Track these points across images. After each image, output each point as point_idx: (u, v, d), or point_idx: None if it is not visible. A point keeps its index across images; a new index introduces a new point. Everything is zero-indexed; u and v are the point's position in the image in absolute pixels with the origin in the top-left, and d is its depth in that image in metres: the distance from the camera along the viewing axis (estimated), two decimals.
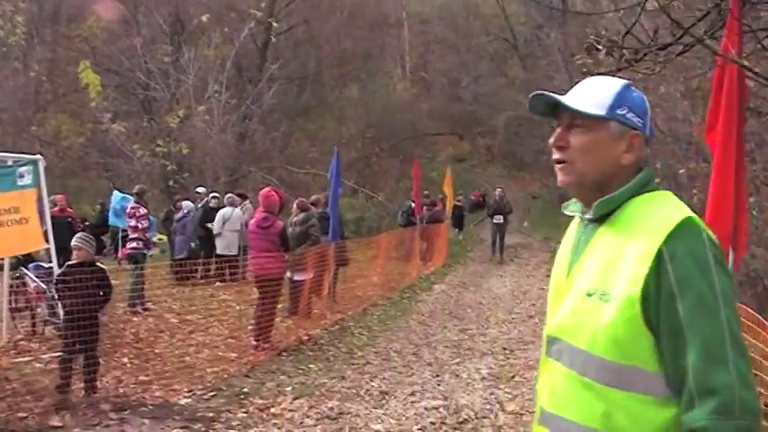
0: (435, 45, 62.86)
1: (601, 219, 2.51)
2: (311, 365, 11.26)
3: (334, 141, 28.33)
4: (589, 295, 2.40)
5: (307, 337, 13.29)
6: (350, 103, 50.94)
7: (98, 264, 9.61)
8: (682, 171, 17.57)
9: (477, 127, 57.55)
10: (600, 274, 2.41)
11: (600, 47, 6.61)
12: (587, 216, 2.56)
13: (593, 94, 2.54)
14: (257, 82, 37.78)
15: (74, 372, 9.11)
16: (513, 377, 10.53)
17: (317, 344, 12.92)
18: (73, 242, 9.75)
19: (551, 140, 2.59)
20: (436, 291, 20.08)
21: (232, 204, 19.55)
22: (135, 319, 14.09)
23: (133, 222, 15.77)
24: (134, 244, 15.73)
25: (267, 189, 13.51)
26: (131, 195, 17.48)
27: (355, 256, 19.90)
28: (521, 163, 57.93)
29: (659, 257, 2.25)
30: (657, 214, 2.37)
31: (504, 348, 12.61)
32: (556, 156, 2.57)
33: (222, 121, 32.78)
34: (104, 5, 37.55)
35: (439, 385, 10.06)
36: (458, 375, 10.62)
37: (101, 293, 9.25)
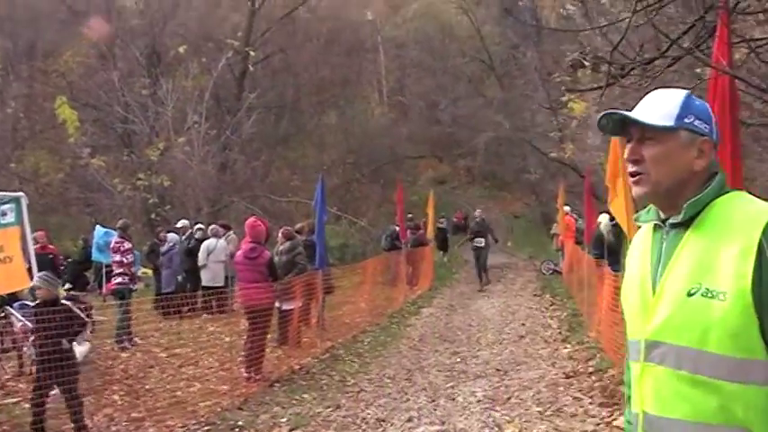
0: (412, 68, 62.99)
1: (686, 224, 2.58)
2: (305, 395, 11.19)
3: (314, 168, 28.37)
4: (690, 295, 2.46)
5: (298, 367, 13.24)
6: (329, 130, 50.98)
7: (62, 302, 9.38)
8: None
9: (456, 149, 57.58)
10: (697, 273, 2.47)
11: (586, 63, 6.61)
12: (672, 221, 2.63)
13: (659, 107, 2.65)
14: (236, 111, 37.77)
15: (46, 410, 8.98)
16: (509, 399, 10.48)
17: (309, 373, 12.86)
18: (33, 282, 9.64)
19: (626, 155, 2.70)
20: (425, 314, 20.04)
21: (216, 235, 19.49)
22: (123, 354, 14.02)
23: (118, 257, 15.70)
24: (120, 279, 15.66)
25: (253, 219, 13.46)
26: (114, 230, 17.40)
27: (341, 283, 19.85)
28: (501, 183, 58.12)
29: (760, 249, 2.34)
30: (746, 210, 2.48)
31: (498, 370, 12.56)
32: (631, 169, 2.67)
33: (202, 151, 32.73)
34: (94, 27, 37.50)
35: (435, 410, 10.00)
36: (453, 399, 10.56)
37: (72, 329, 9.03)
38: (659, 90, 2.79)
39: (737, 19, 7.32)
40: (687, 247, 2.54)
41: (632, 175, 2.67)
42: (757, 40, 6.91)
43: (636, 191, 2.68)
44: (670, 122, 2.59)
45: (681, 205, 2.58)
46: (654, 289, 2.61)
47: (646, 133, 2.63)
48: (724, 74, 5.72)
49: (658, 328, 2.56)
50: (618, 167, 11.47)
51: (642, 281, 2.70)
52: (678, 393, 2.49)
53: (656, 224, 2.73)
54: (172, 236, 20.72)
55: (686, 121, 2.60)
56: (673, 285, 2.53)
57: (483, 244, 26.73)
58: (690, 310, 2.45)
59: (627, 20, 6.45)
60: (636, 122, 2.63)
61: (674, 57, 6.61)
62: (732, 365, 2.37)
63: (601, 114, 2.72)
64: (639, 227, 2.91)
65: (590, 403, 9.87)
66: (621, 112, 2.70)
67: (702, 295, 2.41)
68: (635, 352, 2.69)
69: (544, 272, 29.85)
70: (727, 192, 2.59)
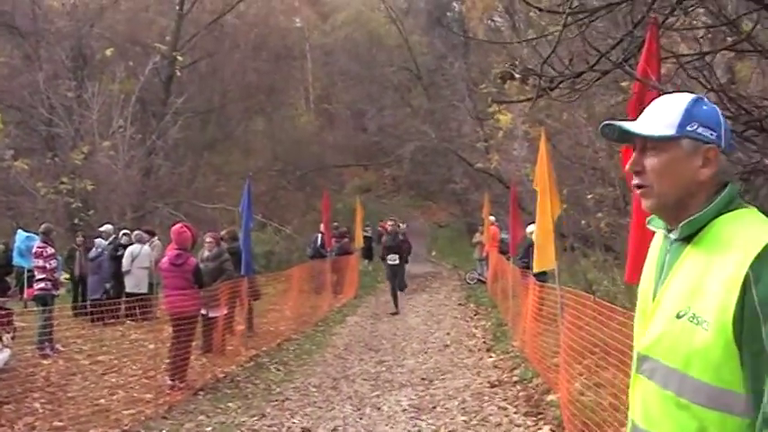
0: (339, 76, 63.01)
1: (687, 238, 2.53)
2: (230, 404, 11.13)
3: (240, 175, 28.18)
4: (678, 317, 2.44)
5: (223, 375, 13.16)
6: (256, 136, 50.80)
7: None
8: (589, 196, 17.85)
9: (382, 157, 57.77)
10: (687, 295, 2.44)
11: (517, 75, 6.67)
12: (673, 236, 2.59)
13: (662, 115, 2.56)
14: (162, 116, 37.41)
15: None
16: (435, 407, 10.53)
17: (234, 381, 12.80)
18: None
19: (627, 166, 2.64)
20: (350, 323, 20.05)
21: (140, 241, 19.31)
22: (45, 362, 13.76)
23: (41, 262, 15.45)
24: (42, 284, 15.40)
25: (179, 225, 13.34)
26: (37, 234, 17.13)
27: (267, 290, 19.79)
28: (427, 192, 58.36)
29: (746, 282, 2.26)
30: (744, 235, 2.38)
31: (423, 379, 12.62)
32: (635, 181, 2.61)
33: (127, 156, 32.36)
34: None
35: (361, 419, 10.01)
36: (379, 408, 10.58)
37: None
38: (665, 96, 2.70)
39: (664, 35, 7.46)
40: (685, 264, 2.52)
41: (637, 187, 2.62)
42: (685, 55, 7.04)
43: (644, 204, 2.63)
44: (671, 131, 2.51)
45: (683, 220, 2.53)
46: (653, 301, 2.62)
47: (647, 143, 2.56)
48: (652, 88, 5.81)
49: (650, 344, 2.58)
50: (545, 177, 11.60)
51: (646, 290, 2.72)
52: (663, 411, 2.51)
53: (665, 235, 2.68)
54: (99, 241, 20.46)
55: (689, 128, 2.51)
56: (667, 303, 2.52)
57: (397, 261, 23.49)
58: (677, 332, 2.45)
59: (556, 33, 6.53)
60: (637, 134, 2.58)
61: (602, 71, 6.70)
62: (712, 393, 2.36)
63: (602, 125, 2.68)
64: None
65: (515, 413, 9.96)
66: (620, 123, 2.63)
67: (689, 320, 2.40)
68: (634, 360, 2.72)
69: (469, 281, 30.08)
70: (737, 207, 2.50)
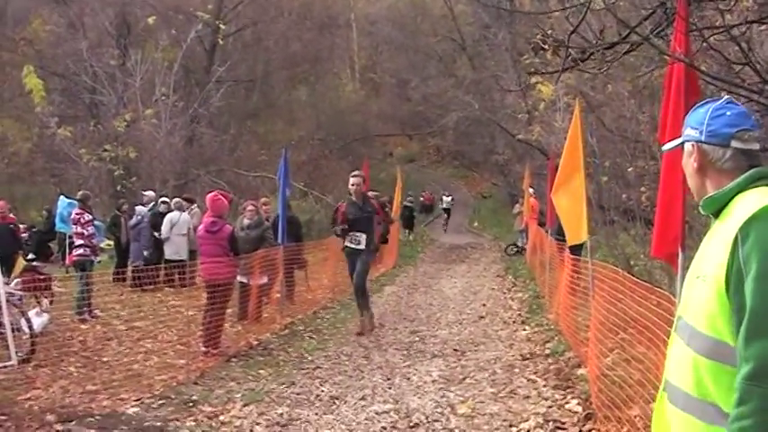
0: (384, 46, 62.97)
1: (716, 215, 2.93)
2: (261, 371, 11.17)
3: (283, 144, 28.20)
4: (697, 278, 2.84)
5: (256, 342, 13.20)
6: (299, 106, 50.80)
7: None
8: (630, 169, 17.69)
9: (426, 127, 57.63)
10: (704, 259, 2.85)
11: (546, 46, 6.61)
12: (704, 213, 3.03)
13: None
14: (205, 85, 37.57)
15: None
16: (465, 379, 10.50)
17: (267, 349, 12.82)
18: None
19: None
20: (387, 293, 20.05)
21: (180, 209, 19.42)
22: (83, 326, 13.92)
23: (78, 229, 15.59)
24: (80, 251, 15.54)
25: (214, 193, 13.36)
26: (77, 200, 17.27)
27: (306, 259, 19.84)
28: (470, 163, 58.30)
29: (736, 241, 2.62)
30: (744, 206, 2.73)
31: (455, 350, 12.57)
32: None
33: (170, 124, 32.53)
34: None
35: (390, 389, 9.99)
36: (408, 378, 10.57)
37: None
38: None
39: (704, 6, 7.35)
40: (711, 236, 2.91)
41: None
42: (709, 28, 6.94)
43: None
44: (678, 140, 3.11)
45: None
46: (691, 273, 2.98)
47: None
48: (679, 62, 5.75)
49: (683, 305, 2.99)
50: (578, 149, 11.50)
51: (692, 266, 3.02)
52: (679, 363, 2.89)
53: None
54: (140, 209, 20.59)
55: (685, 134, 3.06)
56: (693, 269, 2.93)
57: (361, 244, 14.40)
58: (693, 290, 2.85)
59: (589, 3, 6.46)
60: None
61: (632, 42, 6.63)
62: (709, 344, 2.69)
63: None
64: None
65: (544, 386, 9.91)
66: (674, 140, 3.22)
67: (700, 279, 2.80)
68: (674, 324, 3.10)
69: (509, 253, 30.10)
70: (757, 185, 2.83)
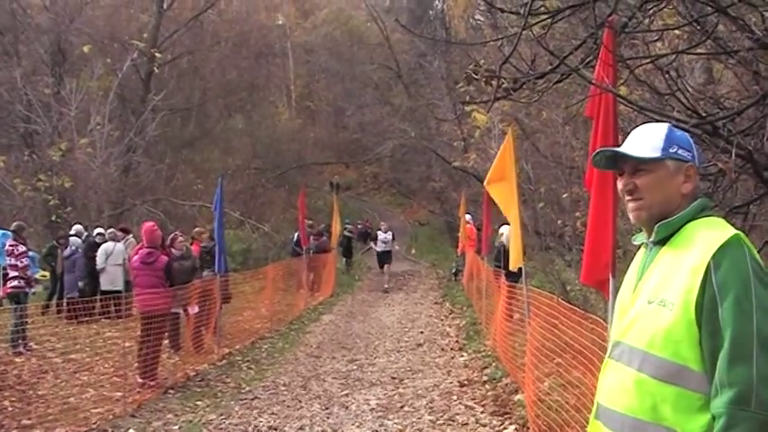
0: (320, 74, 63.17)
1: (663, 241, 2.92)
2: (198, 402, 11.13)
3: (220, 172, 28.08)
4: (650, 303, 2.81)
5: (194, 374, 13.15)
6: (235, 134, 50.66)
7: None
8: (565, 195, 17.88)
9: (363, 155, 57.79)
10: (659, 285, 2.81)
11: (477, 77, 6.68)
12: (651, 240, 2.99)
13: (646, 141, 3.01)
14: (141, 113, 37.26)
15: None
16: (403, 407, 10.53)
17: (205, 379, 12.79)
18: None
19: (620, 187, 3.09)
20: (324, 321, 20.05)
21: (114, 239, 19.27)
22: (18, 360, 13.72)
23: (12, 260, 15.40)
24: (15, 282, 15.35)
25: (150, 224, 13.31)
26: (10, 232, 17.06)
27: (243, 288, 19.77)
28: (407, 190, 58.41)
29: (708, 269, 2.63)
30: (709, 234, 2.76)
31: (393, 377, 12.62)
32: (628, 198, 3.04)
33: (105, 153, 32.20)
34: None
35: (328, 418, 10.00)
36: (347, 407, 10.58)
37: None
38: (644, 125, 3.15)
39: (632, 37, 7.49)
40: (659, 262, 2.90)
41: (630, 202, 3.02)
42: (634, 58, 7.08)
43: (634, 216, 3.03)
44: (657, 154, 2.94)
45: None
46: (632, 294, 2.99)
47: (638, 165, 2.98)
48: (607, 92, 5.86)
49: (622, 330, 2.95)
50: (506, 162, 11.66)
51: (626, 291, 3.07)
52: (623, 388, 2.85)
53: (646, 243, 3.05)
54: (74, 239, 20.39)
55: (671, 151, 2.95)
56: (642, 295, 2.88)
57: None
58: (646, 315, 2.81)
59: (520, 34, 6.54)
60: (628, 157, 3.00)
61: (562, 72, 6.73)
62: (670, 369, 2.68)
63: (595, 153, 3.15)
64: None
65: (482, 412, 9.98)
66: (613, 149, 3.14)
67: (657, 304, 2.76)
68: (609, 348, 3.07)
69: (458, 279, 30.59)
70: (707, 215, 2.90)
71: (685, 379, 2.65)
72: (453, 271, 30.32)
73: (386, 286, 28.35)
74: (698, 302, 2.63)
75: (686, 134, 3.07)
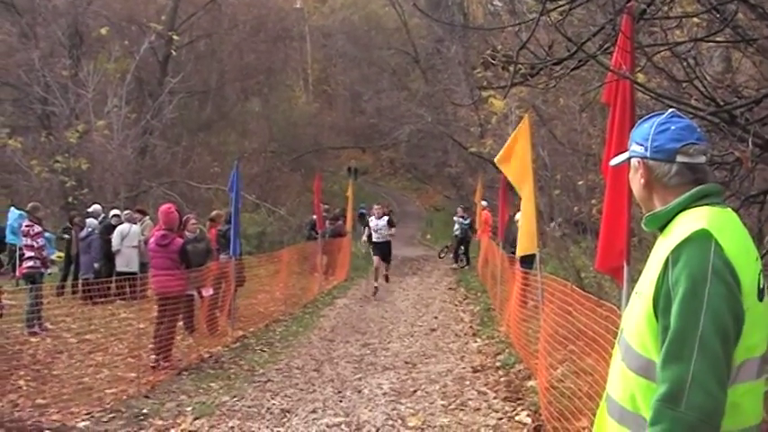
0: (337, 59, 62.97)
1: (660, 231, 2.96)
2: (212, 384, 11.16)
3: (236, 155, 28.14)
4: (636, 293, 2.90)
5: (208, 355, 13.19)
6: (252, 117, 50.68)
7: None
8: (581, 182, 17.83)
9: (379, 140, 57.69)
10: (643, 275, 2.88)
11: (495, 62, 6.67)
12: (647, 229, 3.09)
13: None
14: (158, 96, 37.29)
15: None
16: (416, 391, 10.54)
17: (219, 361, 12.82)
18: None
19: None
20: (338, 305, 20.08)
21: (130, 221, 19.34)
22: (33, 340, 13.80)
23: (28, 241, 15.46)
24: (30, 263, 15.40)
25: (167, 206, 13.33)
26: (26, 212, 17.12)
27: (257, 272, 19.78)
28: (423, 175, 58.36)
29: (667, 263, 2.67)
30: (683, 227, 2.77)
31: (407, 362, 12.62)
32: None
33: (122, 135, 32.27)
34: None
35: (341, 401, 10.01)
36: (359, 391, 10.59)
37: None
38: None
39: (652, 23, 7.45)
40: (653, 252, 2.91)
41: None
42: (652, 45, 7.05)
43: None
44: (627, 155, 3.10)
45: None
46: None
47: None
48: (624, 78, 5.84)
49: (623, 320, 3.06)
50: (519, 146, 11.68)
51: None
52: (617, 377, 2.92)
53: None
54: (90, 221, 20.44)
55: (630, 149, 3.07)
56: (637, 285, 2.93)
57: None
58: (631, 306, 2.93)
59: (538, 19, 6.52)
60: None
61: (580, 59, 6.71)
62: (639, 361, 2.74)
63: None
64: None
65: (494, 398, 9.99)
66: (616, 158, 3.29)
67: (637, 295, 2.86)
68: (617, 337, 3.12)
69: (442, 255, 30.83)
70: (705, 204, 2.86)
71: (651, 372, 2.66)
72: (440, 249, 30.78)
73: (375, 284, 22.11)
74: (656, 296, 2.67)
75: (647, 123, 3.06)
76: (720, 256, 2.60)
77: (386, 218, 23.05)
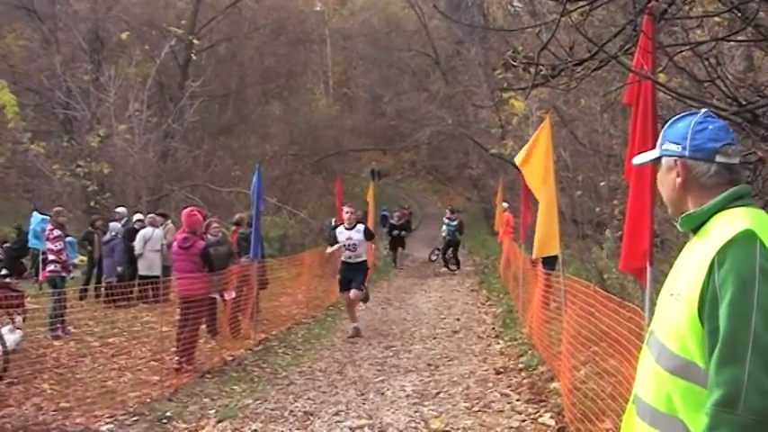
0: (357, 61, 63.11)
1: (694, 232, 2.91)
2: (235, 387, 11.18)
3: (257, 159, 28.15)
4: (671, 295, 2.82)
5: (231, 358, 13.21)
6: (273, 121, 50.80)
7: None
8: (602, 183, 17.78)
9: (400, 142, 57.68)
10: (678, 277, 2.82)
11: (516, 63, 6.65)
12: (682, 230, 3.02)
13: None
14: (178, 100, 37.48)
15: None
16: (438, 394, 10.53)
17: (241, 364, 12.84)
18: None
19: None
20: (361, 308, 20.00)
21: (153, 224, 19.41)
22: (56, 343, 13.86)
23: (50, 245, 15.55)
24: (51, 267, 15.50)
25: (189, 209, 13.37)
26: (50, 217, 17.22)
27: (279, 274, 19.82)
28: (444, 177, 58.36)
29: (712, 265, 2.58)
30: (723, 228, 2.70)
31: (429, 365, 12.60)
32: None
33: (143, 139, 32.40)
34: None
35: (364, 404, 10.01)
36: (382, 393, 10.59)
37: None
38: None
39: (673, 23, 7.43)
40: (687, 253, 2.89)
41: None
42: (674, 45, 7.03)
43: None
44: (657, 153, 3.02)
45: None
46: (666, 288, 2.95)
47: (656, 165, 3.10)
48: (646, 79, 5.83)
49: (654, 319, 2.99)
50: (549, 162, 11.63)
51: (667, 281, 2.99)
52: (648, 377, 2.87)
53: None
54: (113, 225, 20.54)
55: (663, 148, 2.99)
56: (669, 286, 2.88)
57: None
58: (666, 307, 2.83)
59: (559, 20, 6.51)
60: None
61: (601, 60, 6.69)
62: (679, 363, 2.66)
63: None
64: None
65: (517, 400, 9.96)
66: (639, 157, 3.25)
67: (674, 297, 2.76)
68: (646, 338, 3.08)
69: (432, 258, 30.87)
70: (740, 206, 2.80)
71: (693, 374, 2.61)
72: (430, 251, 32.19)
73: (354, 325, 15.93)
74: (701, 299, 2.59)
75: (682, 122, 3.00)
76: (766, 256, 2.55)
77: (361, 226, 16.25)
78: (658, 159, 3.03)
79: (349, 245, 15.82)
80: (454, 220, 29.95)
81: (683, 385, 2.64)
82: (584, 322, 9.01)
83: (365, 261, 16.40)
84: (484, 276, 27.41)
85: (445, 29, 50.40)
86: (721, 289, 2.53)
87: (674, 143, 2.95)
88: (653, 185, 5.77)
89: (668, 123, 3.04)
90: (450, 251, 30.22)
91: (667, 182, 3.00)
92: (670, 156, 2.95)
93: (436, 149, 53.94)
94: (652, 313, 3.32)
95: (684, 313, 2.64)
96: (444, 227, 30.28)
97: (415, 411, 9.54)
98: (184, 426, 9.09)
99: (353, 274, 15.87)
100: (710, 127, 2.91)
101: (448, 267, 29.98)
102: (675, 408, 2.67)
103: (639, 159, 3.19)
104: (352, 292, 15.66)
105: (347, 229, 15.94)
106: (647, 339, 3.00)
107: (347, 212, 16.26)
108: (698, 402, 2.56)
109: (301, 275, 20.88)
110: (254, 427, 8.91)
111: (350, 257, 15.92)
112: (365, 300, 17.33)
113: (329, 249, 16.88)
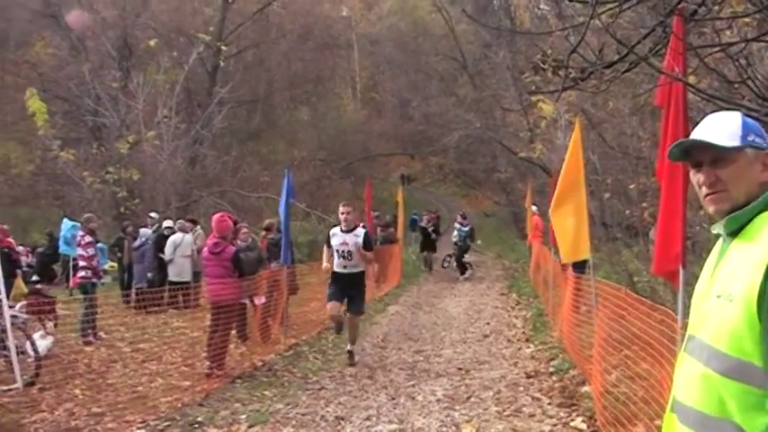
0: (385, 66, 63.14)
1: (735, 233, 2.81)
2: (266, 392, 11.18)
3: (285, 164, 28.24)
4: (718, 297, 2.70)
5: (261, 363, 13.20)
6: (301, 126, 50.99)
7: None
8: (632, 186, 17.68)
9: (428, 146, 57.66)
10: (728, 279, 2.70)
11: (545, 66, 6.64)
12: (724, 232, 2.88)
13: (723, 130, 2.87)
14: (207, 106, 37.63)
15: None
16: (469, 398, 10.50)
17: (272, 369, 12.83)
18: None
19: (702, 180, 2.91)
20: (390, 312, 20.05)
21: (183, 230, 19.49)
22: (87, 349, 13.94)
23: (81, 251, 15.65)
24: (83, 273, 15.60)
25: (220, 214, 13.38)
26: (81, 223, 17.33)
27: (310, 279, 19.81)
28: (472, 181, 58.28)
29: None
30: None
31: (460, 369, 12.56)
32: (708, 191, 2.89)
33: (172, 146, 32.58)
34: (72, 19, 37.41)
35: (395, 408, 9.99)
36: (413, 398, 10.56)
37: None
38: (715, 114, 3.01)
39: (703, 25, 7.40)
40: (730, 255, 2.79)
41: (709, 195, 2.88)
42: (704, 47, 6.99)
43: (714, 208, 2.88)
44: (737, 142, 2.81)
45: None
46: (705, 291, 2.87)
47: (718, 156, 2.84)
48: (677, 81, 5.80)
49: (695, 324, 2.87)
50: (579, 166, 11.58)
51: (702, 284, 2.95)
52: (693, 382, 2.77)
53: (722, 235, 2.93)
54: (144, 231, 20.65)
55: (749, 139, 2.83)
56: (714, 289, 2.76)
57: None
58: (714, 310, 2.71)
59: (588, 23, 6.49)
60: (709, 146, 2.84)
61: (631, 62, 6.67)
62: (734, 365, 2.57)
63: (673, 144, 2.98)
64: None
65: (548, 404, 9.92)
66: (694, 138, 2.91)
67: (725, 299, 2.65)
68: (684, 343, 3.00)
69: (445, 266, 30.70)
70: None
71: (750, 375, 2.54)
72: (443, 259, 31.84)
73: (349, 348, 13.43)
74: (760, 296, 2.51)
75: (751, 120, 2.93)
76: None
77: (361, 231, 13.20)
78: (738, 149, 2.83)
79: (343, 251, 13.08)
80: (466, 225, 29.80)
81: (737, 387, 2.58)
82: (616, 325, 8.98)
83: (363, 272, 13.63)
84: (513, 280, 27.36)
85: (472, 33, 50.42)
86: None
87: (760, 137, 2.88)
88: (685, 187, 5.74)
89: (742, 117, 2.93)
90: (464, 257, 30.13)
91: (749, 174, 2.84)
92: (760, 149, 2.85)
93: (464, 153, 53.82)
94: (685, 315, 3.26)
95: (740, 314, 2.57)
96: (456, 232, 30.12)
97: (447, 416, 9.51)
98: (216, 431, 9.10)
99: (349, 290, 13.25)
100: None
101: (463, 273, 29.72)
102: (729, 411, 2.60)
103: (720, 141, 2.84)
104: (351, 318, 13.32)
105: (343, 231, 13.15)
106: (686, 345, 2.94)
107: (343, 212, 13.19)
108: (755, 404, 2.53)
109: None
110: None
111: (344, 267, 13.17)
112: (354, 324, 13.63)
113: (324, 264, 13.49)
